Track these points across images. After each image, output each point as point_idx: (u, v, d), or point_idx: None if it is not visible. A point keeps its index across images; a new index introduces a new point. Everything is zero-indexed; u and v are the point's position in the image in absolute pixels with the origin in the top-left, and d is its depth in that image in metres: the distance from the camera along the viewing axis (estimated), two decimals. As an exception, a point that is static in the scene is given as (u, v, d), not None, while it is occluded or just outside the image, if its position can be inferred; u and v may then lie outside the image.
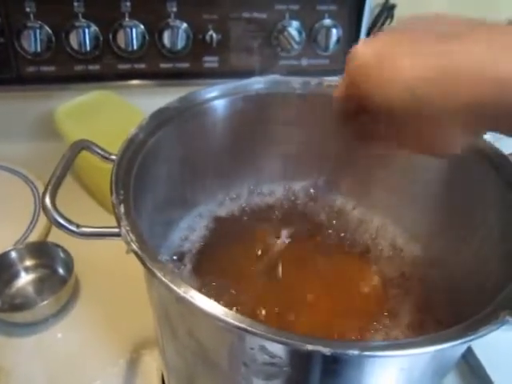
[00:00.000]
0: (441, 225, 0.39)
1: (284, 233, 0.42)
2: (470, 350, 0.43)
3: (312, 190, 0.45)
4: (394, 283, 0.39)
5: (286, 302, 0.38)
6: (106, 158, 0.33)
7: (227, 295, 0.37)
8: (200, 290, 0.36)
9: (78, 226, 0.27)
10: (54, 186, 0.28)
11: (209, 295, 0.36)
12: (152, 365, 0.43)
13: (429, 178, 0.39)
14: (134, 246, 0.24)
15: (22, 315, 0.45)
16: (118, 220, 0.25)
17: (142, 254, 0.23)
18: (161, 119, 0.34)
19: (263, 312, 0.37)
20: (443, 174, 0.38)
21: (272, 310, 0.37)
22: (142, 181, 0.32)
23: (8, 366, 0.42)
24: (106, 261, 0.48)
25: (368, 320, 0.36)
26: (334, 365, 0.23)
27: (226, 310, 0.22)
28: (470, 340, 0.21)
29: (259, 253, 0.42)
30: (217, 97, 0.37)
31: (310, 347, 0.19)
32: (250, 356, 0.23)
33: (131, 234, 0.25)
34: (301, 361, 0.23)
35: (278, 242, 0.42)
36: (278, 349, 0.22)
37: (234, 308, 0.36)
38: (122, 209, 0.26)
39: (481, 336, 0.21)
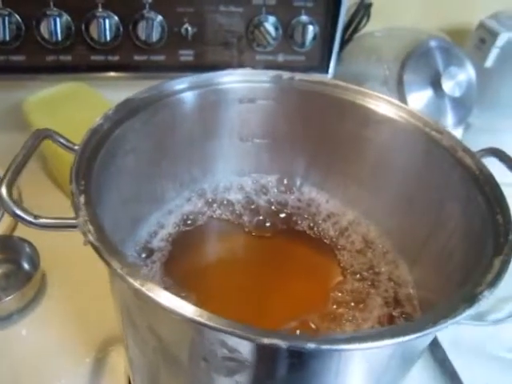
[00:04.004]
0: (411, 219, 0.40)
1: (254, 227, 0.42)
2: (436, 343, 0.44)
3: (283, 184, 0.45)
4: (363, 276, 0.39)
5: (254, 295, 0.38)
6: (70, 149, 0.32)
7: (196, 291, 0.36)
8: (168, 289, 0.36)
9: (35, 216, 0.26)
10: (12, 176, 0.27)
11: (178, 292, 0.36)
12: (119, 363, 0.42)
13: (402, 175, 0.40)
14: (91, 237, 0.23)
15: (-16, 311, 0.44)
16: (77, 210, 0.25)
17: (99, 244, 0.23)
18: (127, 110, 0.33)
19: (231, 307, 0.36)
20: (413, 170, 0.39)
21: (241, 303, 0.37)
22: (106, 172, 0.31)
23: (-30, 364, 0.41)
24: (74, 256, 0.46)
25: (338, 313, 0.36)
26: (294, 359, 0.22)
27: (183, 303, 0.21)
28: (426, 334, 0.21)
29: (228, 247, 0.42)
30: (186, 88, 0.36)
31: (266, 341, 0.19)
32: (210, 351, 0.23)
33: (89, 225, 0.24)
34: (260, 355, 0.22)
35: (248, 236, 0.42)
36: (236, 343, 0.22)
37: (202, 303, 0.35)
38: (82, 199, 0.26)
39: (437, 330, 0.21)
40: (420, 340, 0.23)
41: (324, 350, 0.19)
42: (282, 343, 0.19)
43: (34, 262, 0.47)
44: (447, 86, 0.60)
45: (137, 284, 0.21)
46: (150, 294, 0.21)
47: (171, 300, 0.21)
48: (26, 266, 0.48)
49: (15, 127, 0.59)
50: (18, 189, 0.57)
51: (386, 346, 0.20)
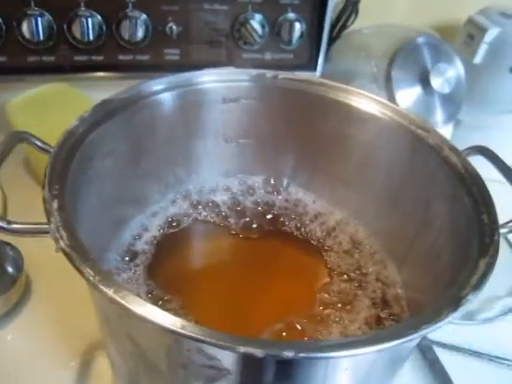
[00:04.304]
0: (398, 219, 0.39)
1: (240, 229, 0.42)
2: (426, 343, 0.43)
3: (270, 184, 0.44)
4: (350, 277, 0.39)
5: (241, 298, 0.37)
6: (46, 151, 0.31)
7: (180, 294, 0.36)
8: (151, 292, 0.36)
9: (8, 222, 0.26)
10: (-16, 181, 0.26)
11: (161, 296, 0.35)
12: (105, 367, 0.41)
13: (386, 173, 0.39)
14: (62, 244, 0.22)
15: (-33, 316, 0.43)
16: (49, 216, 0.24)
17: (71, 251, 0.22)
18: (105, 111, 0.32)
19: (216, 309, 0.36)
20: (399, 169, 0.38)
21: (226, 306, 0.37)
22: (83, 176, 0.30)
23: (-49, 370, 0.40)
24: (58, 260, 0.46)
25: (325, 314, 0.35)
26: (274, 366, 0.22)
27: (158, 311, 0.20)
28: (409, 340, 0.20)
29: (214, 249, 0.41)
30: (164, 89, 0.35)
31: (242, 349, 0.19)
32: (188, 358, 0.22)
33: (62, 231, 0.23)
34: (239, 363, 0.22)
35: (234, 238, 0.41)
36: (214, 351, 0.21)
37: (187, 306, 0.35)
38: (55, 204, 0.25)
39: (420, 336, 0.20)
40: (404, 345, 0.23)
41: (302, 357, 0.19)
42: (259, 352, 0.19)
43: (18, 265, 0.46)
44: (436, 82, 0.60)
45: (110, 292, 0.21)
46: (123, 302, 0.20)
47: (145, 308, 0.20)
48: (9, 269, 0.47)
49: (-2, 130, 0.58)
50: (4, 193, 0.56)
51: (367, 353, 0.20)
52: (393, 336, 0.20)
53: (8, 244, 0.47)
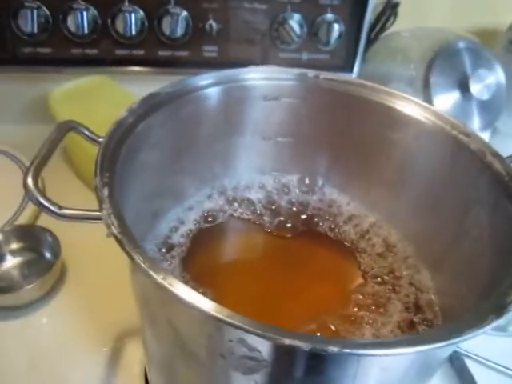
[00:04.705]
0: (435, 224, 0.39)
1: (274, 228, 0.42)
2: (455, 352, 0.43)
3: (305, 184, 0.44)
4: (383, 280, 0.38)
5: (274, 296, 0.37)
6: (94, 141, 0.32)
7: (213, 289, 0.36)
8: (187, 283, 0.36)
9: (60, 207, 0.27)
10: (38, 167, 0.27)
11: (195, 289, 0.36)
12: (136, 354, 0.43)
13: (425, 178, 0.39)
14: (114, 230, 0.23)
15: (6, 298, 0.44)
16: (101, 202, 0.25)
17: (122, 237, 0.23)
18: (151, 104, 0.33)
19: (248, 306, 0.36)
20: (439, 174, 0.38)
21: (258, 303, 0.37)
22: (129, 166, 0.31)
23: (-10, 350, 0.42)
24: (94, 247, 0.47)
25: (359, 315, 0.35)
26: (314, 361, 0.22)
27: (204, 299, 0.21)
28: (453, 343, 0.20)
29: (248, 246, 0.41)
30: (210, 84, 0.36)
31: (287, 341, 0.19)
32: (229, 348, 0.23)
33: (113, 218, 0.24)
34: (280, 356, 0.22)
35: (268, 236, 0.41)
36: (256, 342, 0.21)
37: (219, 301, 0.35)
38: (106, 192, 0.26)
39: (464, 340, 0.20)
40: (443, 349, 0.23)
41: (345, 353, 0.19)
42: (304, 345, 0.19)
43: (55, 251, 0.47)
44: (475, 88, 0.59)
45: (159, 278, 0.21)
46: (172, 289, 0.21)
47: (192, 295, 0.21)
48: (47, 254, 0.49)
49: (40, 119, 0.59)
50: (42, 181, 0.58)
51: (408, 354, 0.20)
52: (437, 338, 0.20)
53: (47, 230, 0.48)
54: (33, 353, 0.42)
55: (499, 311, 0.22)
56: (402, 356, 0.21)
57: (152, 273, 0.21)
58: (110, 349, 0.43)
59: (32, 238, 0.49)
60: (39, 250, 0.49)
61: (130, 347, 0.43)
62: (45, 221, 0.51)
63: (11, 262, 0.48)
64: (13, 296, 0.44)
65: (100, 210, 0.24)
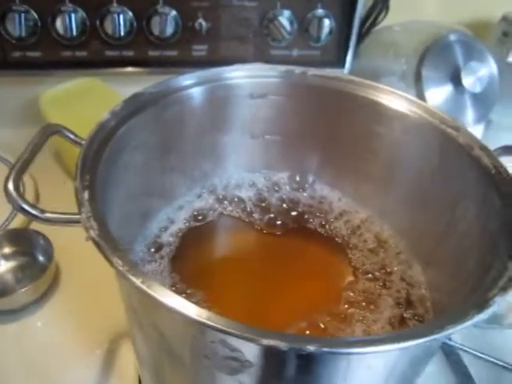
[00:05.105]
0: (425, 219, 0.38)
1: (264, 225, 0.42)
2: (449, 345, 0.42)
3: (295, 181, 0.44)
4: (375, 276, 0.38)
5: (264, 294, 0.37)
6: (78, 144, 0.32)
7: (203, 288, 0.36)
8: (175, 285, 0.36)
9: (42, 211, 0.26)
10: (18, 171, 0.27)
11: (184, 290, 0.36)
12: (130, 356, 0.43)
13: (414, 172, 0.39)
14: (92, 233, 0.23)
15: (0, 302, 0.44)
16: (79, 206, 0.25)
17: (101, 241, 0.23)
18: (135, 105, 0.33)
19: (239, 305, 0.36)
20: (428, 168, 0.38)
21: (249, 302, 0.37)
22: (114, 168, 0.31)
23: (-16, 353, 0.42)
24: (87, 249, 0.47)
25: (349, 312, 0.35)
26: (297, 360, 0.22)
27: (184, 301, 0.21)
28: (434, 339, 0.20)
29: (238, 244, 0.41)
30: (194, 84, 0.36)
31: (265, 342, 0.19)
32: (212, 349, 0.23)
33: (92, 221, 0.24)
34: (262, 356, 0.22)
35: (258, 233, 0.41)
36: (237, 343, 0.21)
37: (210, 301, 0.35)
38: (86, 195, 0.26)
39: (445, 335, 0.20)
40: (427, 344, 0.22)
41: (325, 352, 0.19)
42: (283, 344, 0.19)
43: (48, 254, 0.47)
44: (467, 81, 0.58)
45: (137, 281, 0.21)
46: (150, 292, 0.21)
47: (170, 298, 0.21)
48: (40, 258, 0.49)
49: (31, 122, 0.59)
50: (36, 184, 0.58)
51: (390, 351, 0.20)
52: (417, 335, 0.20)
53: (40, 234, 0.48)
54: (27, 355, 0.42)
55: (481, 306, 0.22)
56: (385, 353, 0.21)
57: (130, 276, 0.21)
58: (103, 351, 0.43)
59: (25, 242, 0.49)
60: (32, 253, 0.49)
61: (124, 349, 0.43)
62: (38, 224, 0.51)
63: (4, 266, 0.48)
64: (7, 300, 0.44)
65: (79, 213, 0.24)
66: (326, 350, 0.19)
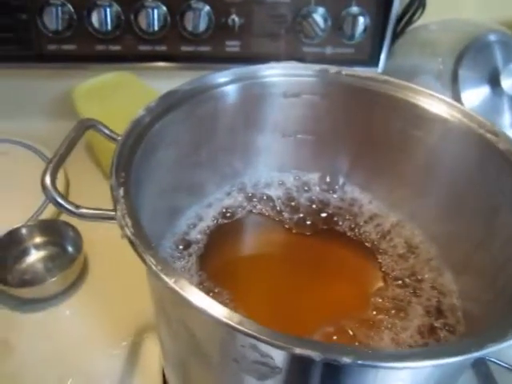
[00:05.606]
0: (460, 226, 0.37)
1: (293, 223, 0.41)
2: (480, 358, 0.41)
3: (326, 182, 0.44)
4: (405, 283, 0.37)
5: (292, 295, 0.37)
6: (113, 139, 0.32)
7: (230, 288, 0.36)
8: (202, 283, 0.36)
9: (77, 206, 0.27)
10: (56, 165, 0.27)
11: (211, 288, 0.36)
12: (154, 349, 0.43)
13: (452, 178, 0.38)
14: (127, 231, 0.23)
15: (30, 291, 0.45)
16: (115, 203, 0.25)
17: (135, 239, 0.23)
18: (170, 102, 0.33)
19: (265, 305, 0.36)
20: (465, 174, 0.36)
21: (276, 303, 0.37)
22: (147, 164, 0.31)
23: (14, 341, 0.43)
24: (115, 242, 0.47)
25: (377, 319, 0.34)
26: (328, 370, 0.22)
27: (215, 303, 0.21)
28: (471, 358, 0.19)
29: (266, 243, 0.41)
30: (229, 81, 0.35)
31: (298, 350, 0.18)
32: (241, 353, 0.22)
33: (127, 218, 0.24)
34: (293, 363, 0.21)
35: (287, 233, 0.41)
36: (268, 349, 0.21)
37: (236, 300, 0.35)
38: (121, 192, 0.26)
39: (482, 354, 0.19)
40: (463, 362, 0.22)
41: (359, 365, 0.18)
42: (316, 355, 0.18)
43: (78, 245, 0.48)
44: (506, 83, 0.56)
45: (170, 282, 0.21)
46: (183, 293, 0.21)
47: (203, 300, 0.21)
48: (69, 249, 0.50)
49: (65, 115, 0.60)
50: (66, 177, 0.59)
51: (426, 367, 0.19)
52: (454, 352, 0.19)
53: (70, 225, 0.49)
54: (55, 345, 0.43)
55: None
56: (418, 369, 0.21)
57: (163, 276, 0.21)
58: (129, 343, 0.43)
59: (55, 233, 0.50)
60: (62, 244, 0.50)
61: (149, 342, 0.43)
62: (67, 216, 0.52)
63: (35, 255, 0.49)
64: (37, 289, 0.45)
65: (114, 210, 0.24)
66: (361, 362, 0.18)
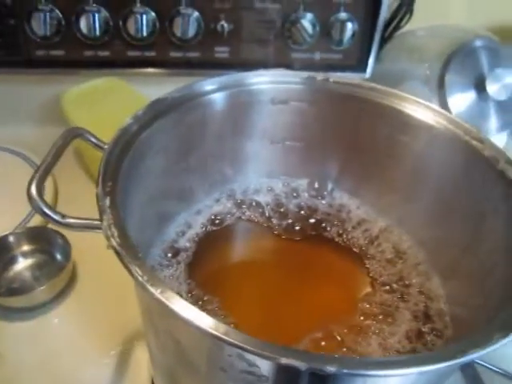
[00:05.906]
0: (448, 231, 0.38)
1: (282, 229, 0.41)
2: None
3: (314, 188, 0.44)
4: (392, 288, 0.38)
5: (280, 301, 0.37)
6: (100, 147, 0.32)
7: (219, 295, 0.36)
8: (191, 292, 0.36)
9: (63, 216, 0.27)
10: (42, 174, 0.27)
11: (201, 297, 0.36)
12: (143, 358, 0.43)
13: (439, 184, 0.38)
14: (113, 242, 0.23)
15: (18, 300, 0.45)
16: (101, 213, 0.25)
17: (121, 250, 0.23)
18: (158, 109, 0.33)
19: (254, 312, 0.36)
20: (452, 180, 0.37)
21: (265, 309, 0.37)
22: (135, 172, 0.31)
23: (1, 351, 0.43)
24: (104, 249, 0.47)
25: (365, 325, 0.35)
26: (313, 378, 0.22)
27: (202, 314, 0.21)
28: (459, 363, 0.19)
29: (255, 249, 0.41)
30: (217, 89, 0.36)
31: (284, 360, 0.18)
32: (228, 362, 0.22)
33: (113, 228, 0.24)
34: (279, 372, 0.22)
35: (276, 239, 0.41)
36: (254, 358, 0.21)
37: (226, 307, 0.35)
38: (107, 201, 0.26)
39: (467, 360, 0.19)
40: (448, 368, 0.22)
41: (345, 374, 0.19)
42: (301, 364, 0.18)
43: (66, 253, 0.48)
44: (492, 88, 0.57)
45: (156, 293, 0.21)
46: (169, 304, 0.21)
47: (189, 311, 0.21)
48: (58, 257, 0.49)
49: (53, 120, 0.60)
50: (55, 184, 0.58)
51: (411, 374, 0.19)
52: (439, 359, 0.19)
53: (58, 233, 0.49)
54: (43, 353, 0.43)
55: (506, 331, 0.21)
56: (403, 376, 0.21)
57: (149, 287, 0.21)
58: (118, 352, 0.43)
59: (43, 241, 0.49)
60: (50, 252, 0.49)
61: (138, 350, 0.43)
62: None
63: (23, 263, 0.49)
64: (25, 297, 0.45)
65: (100, 220, 0.24)
66: (346, 371, 0.18)
